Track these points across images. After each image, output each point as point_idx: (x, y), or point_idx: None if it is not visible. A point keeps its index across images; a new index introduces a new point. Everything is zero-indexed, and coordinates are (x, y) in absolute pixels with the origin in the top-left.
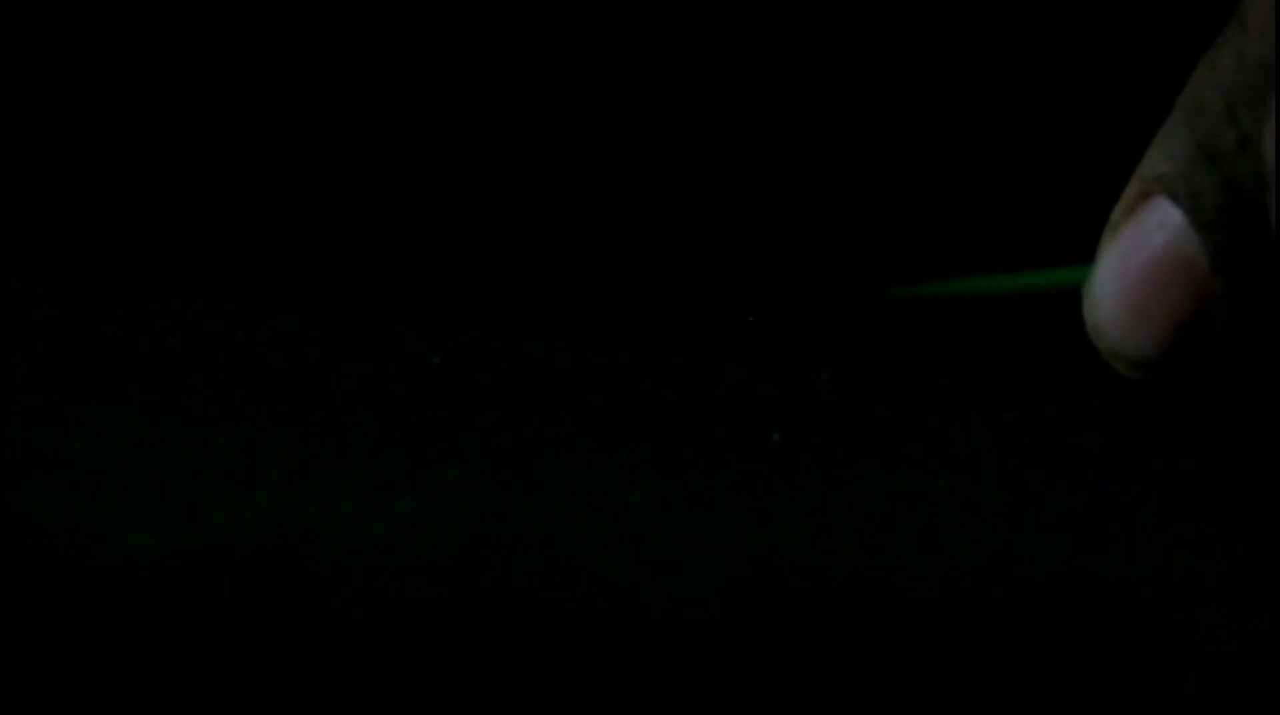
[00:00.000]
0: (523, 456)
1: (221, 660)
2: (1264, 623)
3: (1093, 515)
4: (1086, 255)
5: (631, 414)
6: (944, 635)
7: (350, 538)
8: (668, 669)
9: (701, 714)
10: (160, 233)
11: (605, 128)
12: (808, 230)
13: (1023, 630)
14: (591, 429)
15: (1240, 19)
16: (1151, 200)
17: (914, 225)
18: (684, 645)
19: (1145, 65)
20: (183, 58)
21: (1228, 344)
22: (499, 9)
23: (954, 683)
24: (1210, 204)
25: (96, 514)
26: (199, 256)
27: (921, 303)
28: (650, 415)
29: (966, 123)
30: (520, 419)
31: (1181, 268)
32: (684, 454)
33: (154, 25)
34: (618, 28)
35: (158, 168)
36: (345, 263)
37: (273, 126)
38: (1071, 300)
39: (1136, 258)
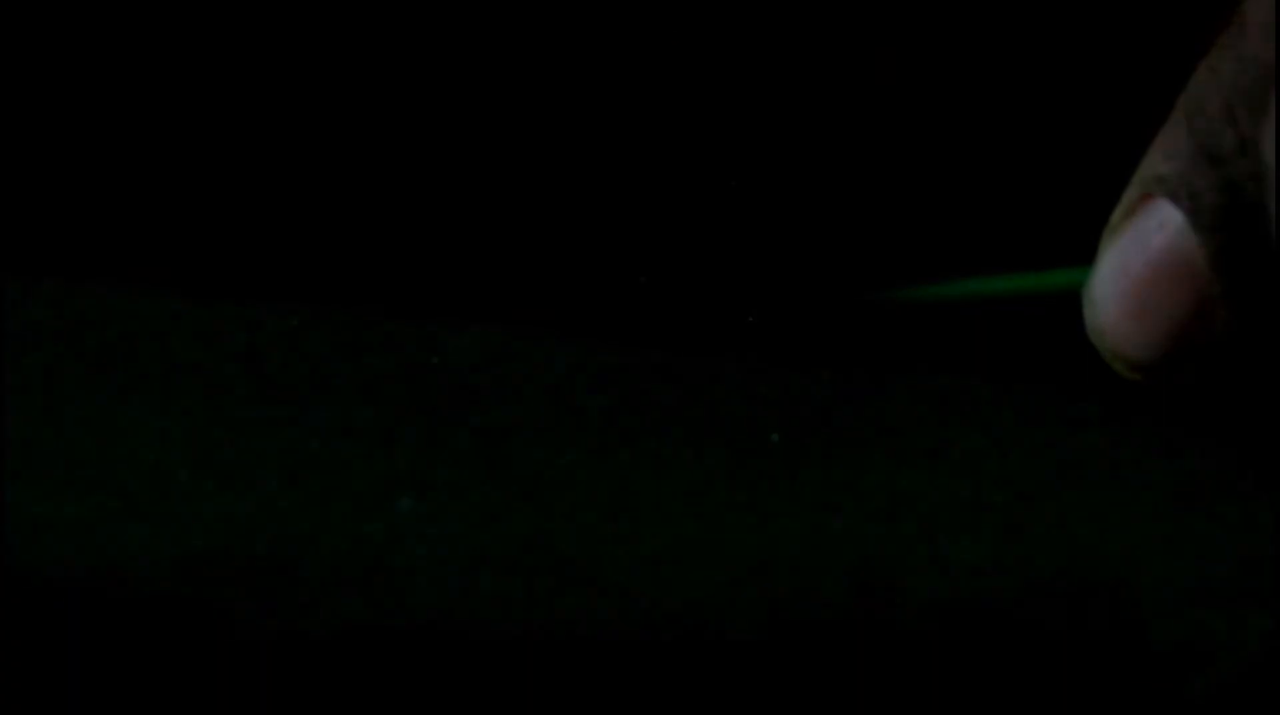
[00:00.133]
0: (523, 456)
1: (221, 660)
2: (1264, 623)
3: (1093, 515)
4: (1087, 257)
5: (631, 414)
6: (944, 635)
7: (350, 538)
8: (668, 669)
9: (702, 714)
10: (161, 231)
11: (606, 128)
12: (808, 230)
13: (1023, 630)
14: (591, 429)
15: (1240, 21)
16: (1152, 202)
17: (914, 226)
18: (684, 645)
19: (1146, 66)
20: (183, 57)
21: (1227, 345)
22: (499, 9)
23: (954, 682)
24: (1210, 205)
25: (96, 514)
26: (199, 255)
27: (922, 304)
28: (650, 415)
29: (967, 123)
30: (520, 419)
31: (1181, 269)
32: (684, 454)
33: (154, 25)
34: (619, 28)
35: (159, 166)
36: (345, 262)
37: (273, 126)
38: (1072, 302)
39: (1137, 259)
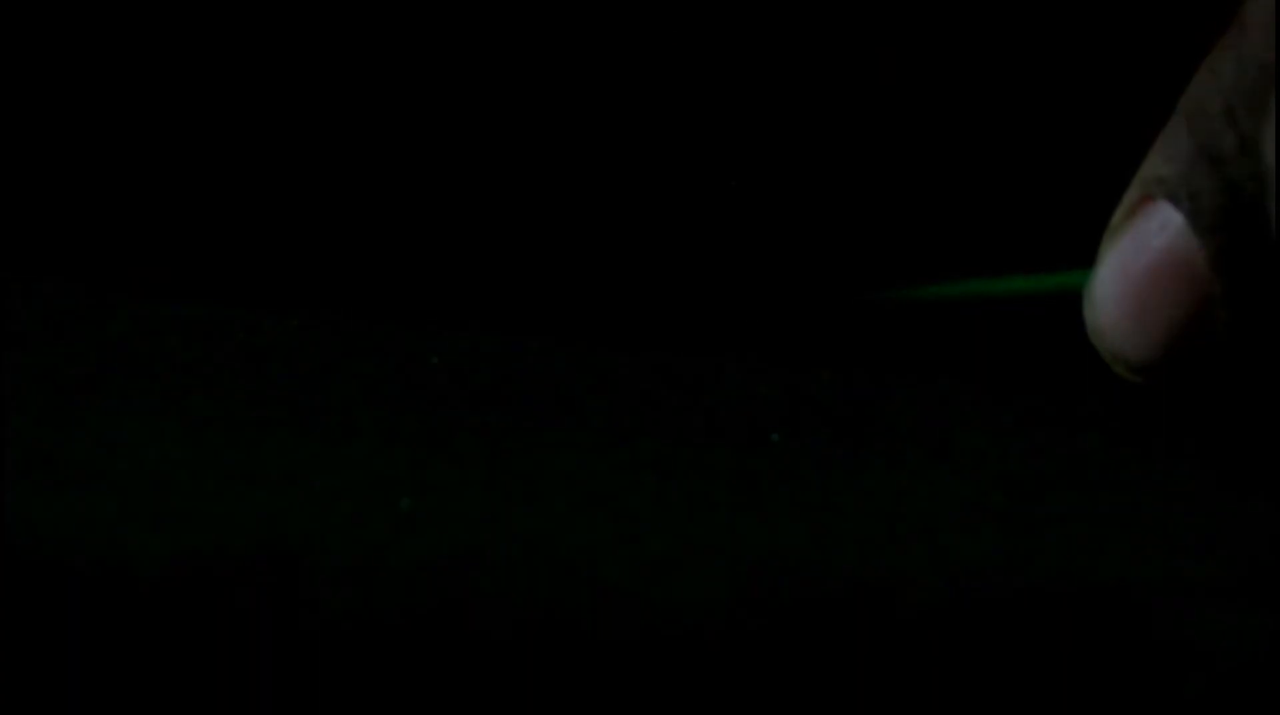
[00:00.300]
0: (523, 456)
1: (221, 660)
2: (1264, 623)
3: (1093, 515)
4: (1087, 258)
5: (631, 414)
6: (944, 635)
7: (350, 538)
8: (668, 669)
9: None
10: (162, 233)
11: (606, 128)
12: (808, 230)
13: (1023, 630)
14: (591, 429)
15: (1241, 22)
16: (1152, 203)
17: (915, 227)
18: (684, 645)
19: (1146, 68)
20: (183, 58)
21: (1228, 346)
22: (499, 9)
23: (954, 683)
24: (1211, 207)
25: (96, 514)
26: (200, 257)
27: (922, 305)
28: (650, 415)
29: (967, 125)
30: (520, 419)
31: (1182, 270)
32: (684, 454)
33: (154, 25)
34: (619, 28)
35: (159, 168)
36: (345, 263)
37: (273, 127)
38: (1072, 303)
39: (1137, 261)
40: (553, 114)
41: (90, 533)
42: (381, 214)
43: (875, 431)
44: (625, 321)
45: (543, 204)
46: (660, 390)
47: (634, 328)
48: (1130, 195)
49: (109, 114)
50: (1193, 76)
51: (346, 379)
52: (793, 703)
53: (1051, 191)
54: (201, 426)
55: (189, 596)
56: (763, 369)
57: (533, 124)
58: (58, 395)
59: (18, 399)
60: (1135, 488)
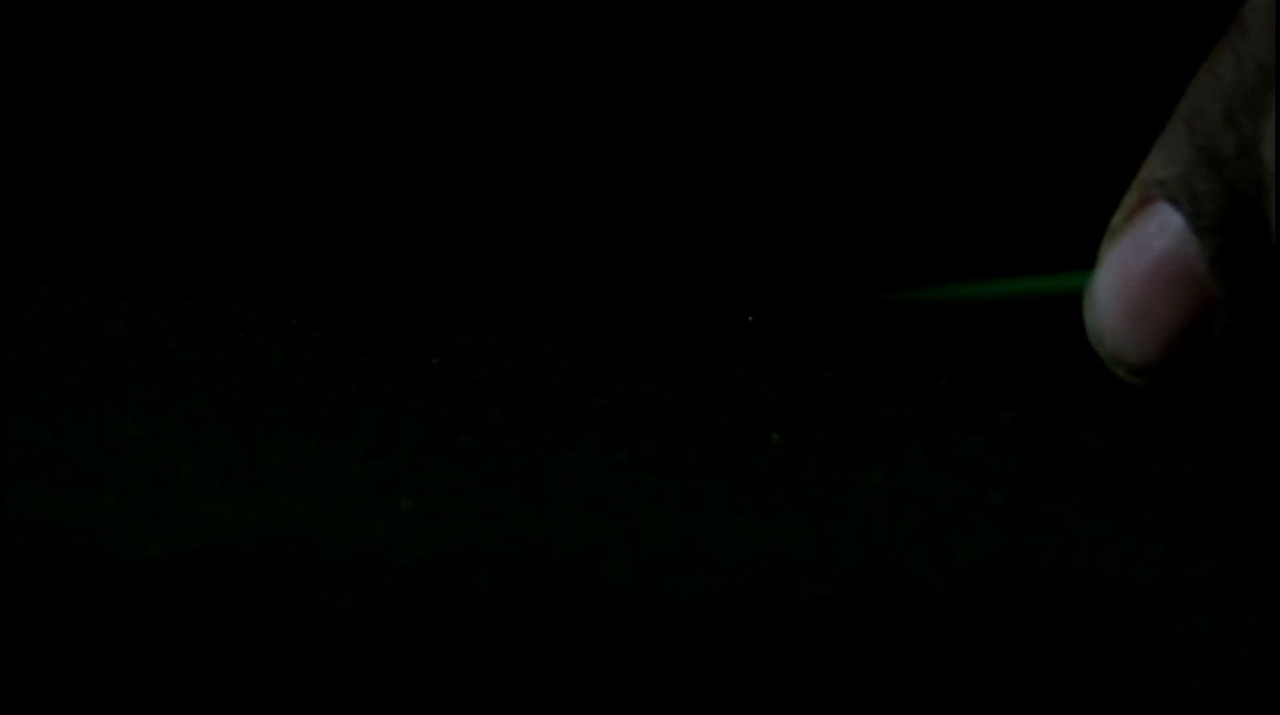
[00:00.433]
0: (523, 456)
1: (222, 660)
2: (1264, 623)
3: (1093, 515)
4: (1087, 260)
5: (631, 414)
6: (944, 635)
7: (351, 538)
8: (668, 669)
9: (701, 713)
10: (161, 232)
11: (605, 128)
12: (808, 231)
13: (1023, 630)
14: (591, 429)
15: (1240, 24)
16: (1152, 205)
17: (916, 229)
18: (684, 645)
19: (1146, 69)
20: (183, 58)
21: (1228, 348)
22: (499, 9)
23: (954, 683)
24: (1210, 209)
25: (96, 514)
26: (200, 256)
27: (923, 306)
28: (650, 415)
29: (967, 127)
30: (520, 419)
31: (1182, 272)
32: (684, 454)
33: (154, 25)
34: (618, 28)
35: (159, 168)
36: (345, 263)
37: (273, 127)
38: (1073, 305)
39: (1137, 263)
40: (553, 114)
41: (90, 533)
42: (381, 214)
43: (875, 431)
44: (625, 321)
45: (543, 204)
46: (660, 390)
47: (634, 328)
48: (1130, 197)
49: (109, 115)
50: (1193, 78)
51: (346, 379)
52: (793, 702)
53: (1052, 193)
54: (202, 426)
55: (189, 596)
56: (763, 369)
57: (533, 124)
58: (58, 395)
59: (18, 399)
60: (1135, 488)
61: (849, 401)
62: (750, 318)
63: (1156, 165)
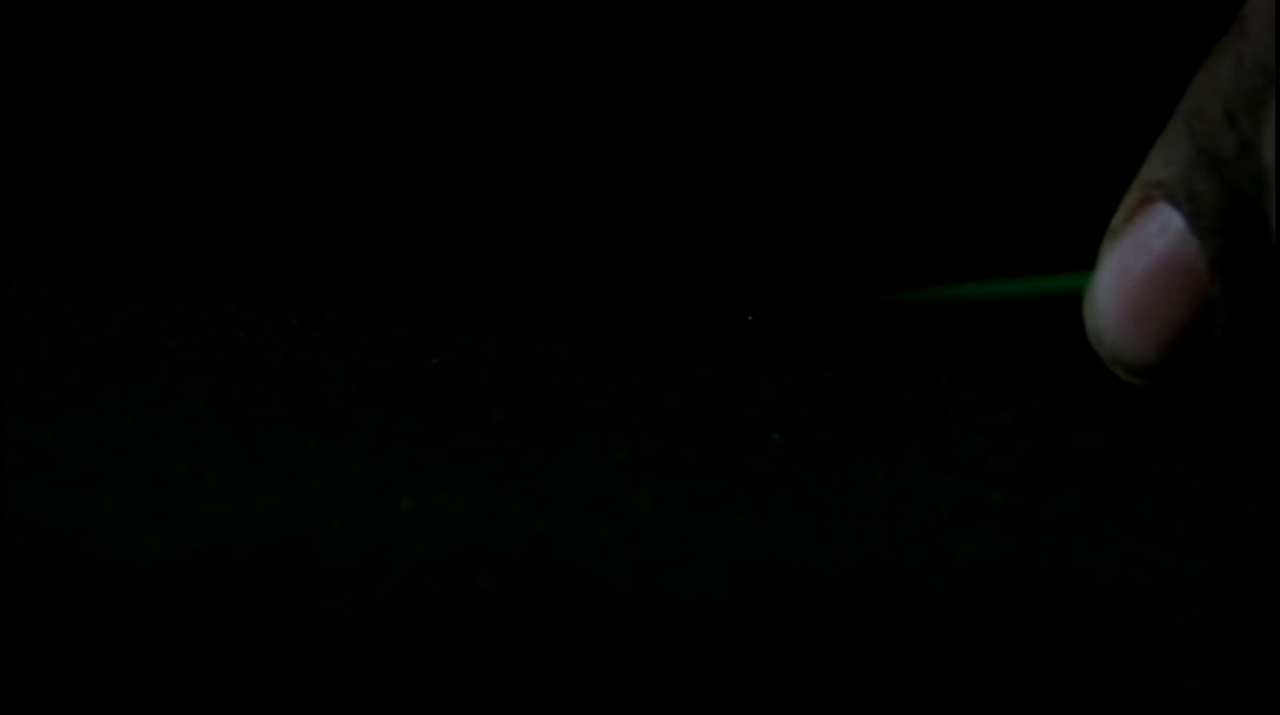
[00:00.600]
0: (523, 456)
1: (222, 660)
2: (1264, 623)
3: (1093, 515)
4: (1088, 261)
5: (631, 414)
6: (944, 635)
7: (351, 538)
8: (668, 669)
9: (701, 713)
10: (161, 232)
11: (605, 128)
12: (808, 231)
13: (1022, 630)
14: (591, 429)
15: (1240, 24)
16: (1152, 206)
17: (916, 229)
18: (684, 645)
19: (1146, 70)
20: (183, 58)
21: (1228, 348)
22: (499, 9)
23: (954, 682)
24: (1210, 209)
25: (96, 514)
26: (200, 256)
27: (923, 307)
28: (650, 415)
29: (967, 127)
30: (520, 419)
31: (1182, 273)
32: (684, 454)
33: (154, 25)
34: (618, 28)
35: (159, 167)
36: (345, 263)
37: (273, 127)
38: (1073, 305)
39: (1137, 263)
40: (553, 114)
41: (90, 533)
42: (382, 214)
43: (875, 431)
44: (625, 321)
45: (543, 204)
46: (660, 390)
47: (634, 328)
48: (1130, 198)
49: (109, 114)
50: (1193, 78)
51: (346, 379)
52: (792, 702)
53: (1052, 194)
54: (201, 426)
55: (189, 596)
56: (763, 369)
57: (533, 124)
58: (58, 395)
59: (18, 399)
60: (1135, 488)
61: (849, 401)
62: (750, 318)
63: (1156, 165)
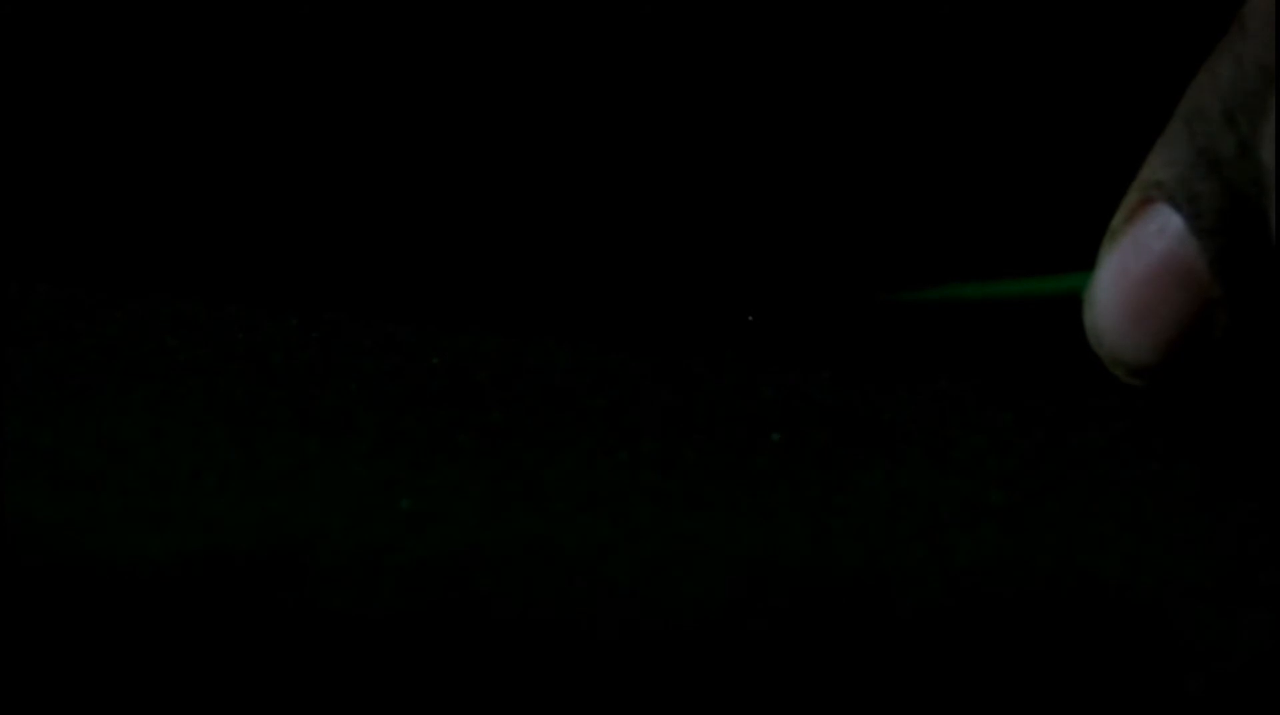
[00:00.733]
0: (523, 456)
1: (222, 660)
2: (1264, 623)
3: (1093, 515)
4: (1087, 261)
5: (631, 414)
6: (944, 635)
7: (351, 538)
8: (668, 669)
9: (702, 714)
10: (161, 232)
11: (605, 128)
12: (808, 232)
13: (1023, 630)
14: (591, 429)
15: (1240, 24)
16: (1152, 206)
17: (915, 229)
18: (684, 645)
19: (1146, 70)
20: (183, 58)
21: (1228, 348)
22: (499, 9)
23: (954, 682)
24: (1210, 210)
25: (96, 514)
26: (199, 256)
27: (923, 307)
28: (650, 415)
29: (967, 128)
30: (520, 419)
31: (1181, 274)
32: (684, 454)
33: (154, 25)
34: (618, 28)
35: (158, 167)
36: (345, 263)
37: (273, 126)
38: (1072, 305)
39: (1137, 264)
40: (553, 115)
41: (90, 533)
42: (382, 214)
43: (875, 431)
44: (625, 321)
45: (543, 204)
46: (660, 390)
47: (634, 328)
48: (1130, 198)
49: (108, 114)
50: (1193, 79)
51: (346, 379)
52: (792, 702)
53: (1051, 194)
54: (201, 426)
55: (189, 596)
56: (763, 369)
57: (533, 124)
58: (58, 395)
59: (18, 399)
60: (1135, 488)
61: (849, 401)
62: (750, 318)
63: (1156, 166)
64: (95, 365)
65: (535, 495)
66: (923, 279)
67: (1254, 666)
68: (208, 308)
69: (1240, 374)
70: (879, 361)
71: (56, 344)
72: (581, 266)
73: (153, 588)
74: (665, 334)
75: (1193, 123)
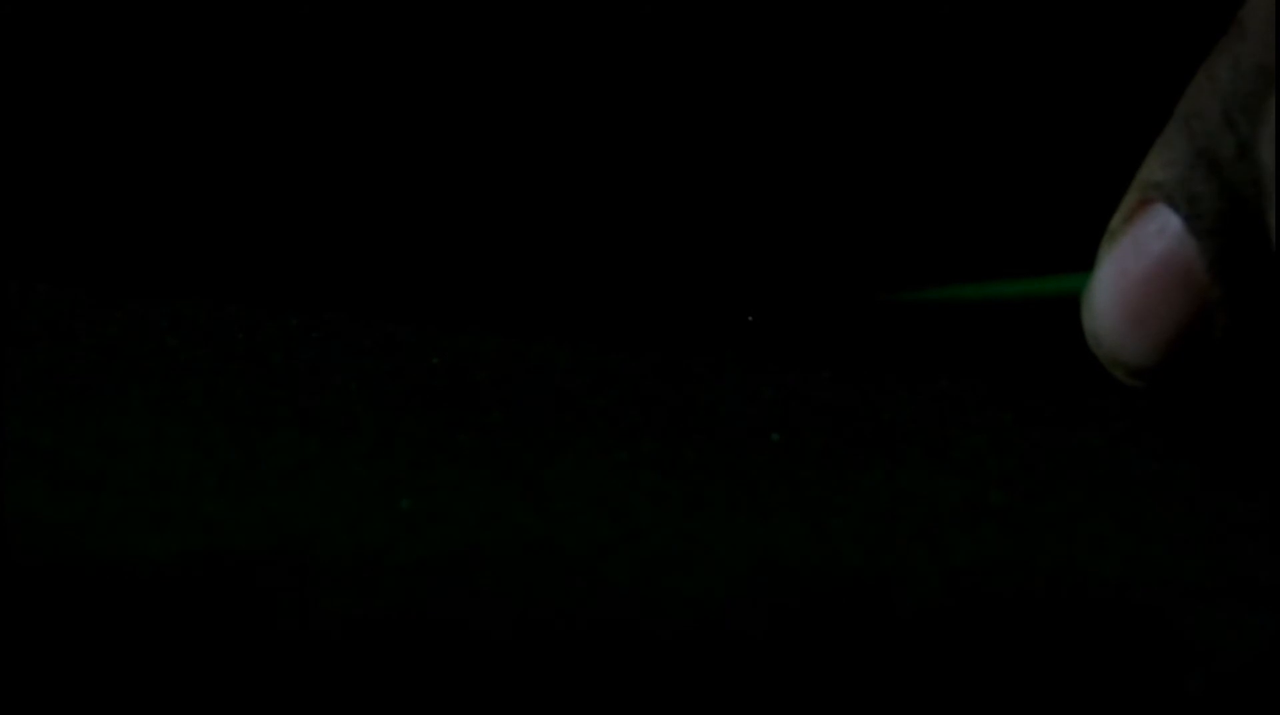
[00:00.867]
0: (523, 456)
1: (222, 660)
2: (1264, 623)
3: (1093, 515)
4: (1087, 261)
5: (631, 414)
6: (944, 635)
7: (351, 538)
8: (668, 669)
9: (702, 714)
10: (161, 232)
11: (605, 128)
12: (808, 232)
13: (1023, 630)
14: (591, 429)
15: (1239, 25)
16: (1150, 207)
17: (915, 230)
18: (684, 645)
19: (1146, 69)
20: (183, 58)
21: (1226, 350)
22: (499, 9)
23: (954, 682)
24: (1209, 211)
25: (96, 514)
26: (199, 256)
27: (923, 308)
28: (650, 415)
29: (967, 128)
30: (520, 419)
31: (1180, 275)
32: (684, 454)
33: (154, 25)
34: (618, 28)
35: (158, 167)
36: (345, 263)
37: (272, 126)
38: (1072, 306)
39: (1135, 265)
40: (553, 115)
41: (90, 533)
42: (382, 214)
43: (875, 431)
44: (625, 321)
45: (543, 204)
46: (660, 390)
47: (634, 328)
48: (1129, 199)
49: (109, 114)
50: (1192, 80)
51: (346, 379)
52: (792, 702)
53: (1050, 195)
54: (202, 426)
55: (189, 596)
56: (763, 369)
57: (533, 125)
58: (58, 395)
59: (18, 399)
60: (1135, 488)
61: (849, 401)
62: (750, 318)
63: (1155, 167)
64: (95, 365)
65: (535, 495)
66: (923, 279)
67: (1254, 666)
68: (208, 308)
69: (1240, 375)
70: (879, 361)
71: (56, 344)
72: (581, 266)
73: (153, 588)
74: (665, 334)
75: (1192, 123)
